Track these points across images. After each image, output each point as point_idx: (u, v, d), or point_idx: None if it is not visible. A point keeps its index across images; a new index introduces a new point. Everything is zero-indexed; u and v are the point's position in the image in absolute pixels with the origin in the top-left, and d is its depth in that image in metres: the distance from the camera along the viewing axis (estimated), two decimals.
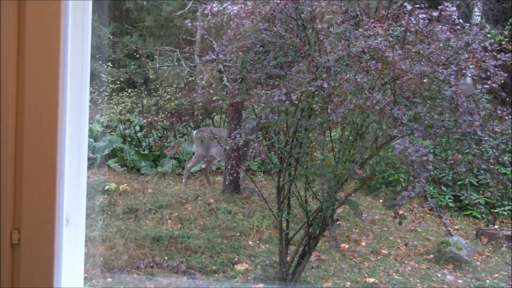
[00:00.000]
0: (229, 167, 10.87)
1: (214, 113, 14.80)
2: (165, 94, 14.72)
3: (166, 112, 14.63)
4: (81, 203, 1.89)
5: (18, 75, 1.74)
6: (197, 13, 13.16)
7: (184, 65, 12.57)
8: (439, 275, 8.63)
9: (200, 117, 14.84)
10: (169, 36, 15.44)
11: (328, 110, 6.31)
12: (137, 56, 15.09)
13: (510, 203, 11.16)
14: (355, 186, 7.47)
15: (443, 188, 11.42)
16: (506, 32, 9.71)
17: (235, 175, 11.01)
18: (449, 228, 7.17)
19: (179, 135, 14.71)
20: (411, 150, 5.43)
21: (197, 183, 12.17)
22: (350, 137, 6.67)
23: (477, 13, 14.92)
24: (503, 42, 8.15)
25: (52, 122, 1.73)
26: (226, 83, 9.29)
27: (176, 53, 12.62)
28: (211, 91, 12.42)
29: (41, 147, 1.71)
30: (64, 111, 1.78)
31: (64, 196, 1.78)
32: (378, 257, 9.22)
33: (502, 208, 11.14)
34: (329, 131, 7.09)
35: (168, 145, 13.69)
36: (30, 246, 1.75)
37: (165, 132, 14.64)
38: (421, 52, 5.96)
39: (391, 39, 6.04)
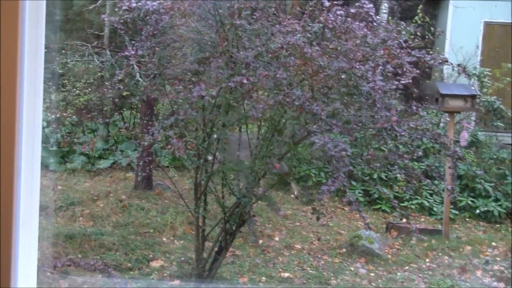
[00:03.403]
0: (141, 163, 10.75)
1: (124, 109, 14.61)
2: (74, 90, 14.46)
3: (75, 108, 14.37)
4: (34, 204, 1.83)
5: None
6: (106, 7, 12.95)
7: (96, 60, 12.37)
8: (352, 268, 8.79)
9: (111, 113, 14.65)
10: (77, 31, 15.15)
11: (245, 106, 6.33)
12: (45, 50, 14.74)
13: (418, 197, 11.48)
14: (268, 181, 7.52)
15: (353, 182, 11.60)
16: (412, 30, 9.98)
17: (147, 171, 10.90)
18: (367, 222, 7.30)
19: (88, 131, 14.46)
20: (330, 145, 5.50)
21: (107, 179, 12.00)
22: (267, 133, 6.71)
23: (384, 11, 15.29)
24: (409, 40, 8.37)
25: (10, 122, 1.69)
26: (139, 79, 9.19)
27: (87, 48, 12.40)
28: (121, 87, 12.25)
29: None
30: (21, 113, 1.74)
31: (21, 197, 1.73)
32: (292, 252, 9.32)
33: (410, 202, 11.44)
34: (245, 127, 7.10)
35: (77, 141, 13.47)
36: None
37: (73, 128, 14.37)
38: (339, 48, 6.03)
39: (309, 35, 6.10)
